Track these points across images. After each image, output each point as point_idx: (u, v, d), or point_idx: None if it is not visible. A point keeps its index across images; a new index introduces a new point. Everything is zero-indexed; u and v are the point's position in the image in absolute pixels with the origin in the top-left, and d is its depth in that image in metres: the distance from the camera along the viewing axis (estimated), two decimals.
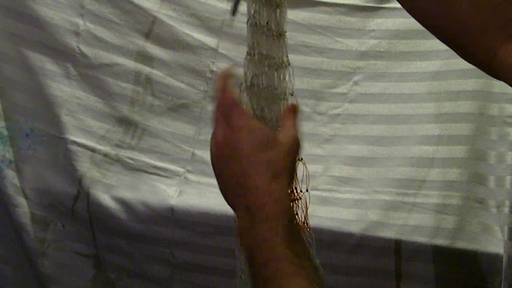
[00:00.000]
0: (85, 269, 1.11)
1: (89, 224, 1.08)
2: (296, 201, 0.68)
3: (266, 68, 0.69)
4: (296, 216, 0.68)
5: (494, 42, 0.58)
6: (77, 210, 1.08)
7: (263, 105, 0.70)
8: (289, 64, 0.71)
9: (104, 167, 1.07)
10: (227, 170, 0.63)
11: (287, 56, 0.71)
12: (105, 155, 1.07)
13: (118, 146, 1.08)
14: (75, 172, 1.06)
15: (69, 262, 1.11)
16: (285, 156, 0.62)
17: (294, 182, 0.68)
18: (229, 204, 0.64)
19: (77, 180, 1.06)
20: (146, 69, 1.08)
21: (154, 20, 1.07)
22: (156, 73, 1.08)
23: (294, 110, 0.69)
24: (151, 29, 1.08)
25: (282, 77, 0.70)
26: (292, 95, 0.71)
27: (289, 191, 0.63)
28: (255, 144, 0.62)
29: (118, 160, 1.07)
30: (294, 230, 0.59)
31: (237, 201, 0.61)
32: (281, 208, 0.59)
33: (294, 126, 0.66)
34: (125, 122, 1.08)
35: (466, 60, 0.62)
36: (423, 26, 0.62)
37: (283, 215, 0.59)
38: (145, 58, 1.08)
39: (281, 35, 0.70)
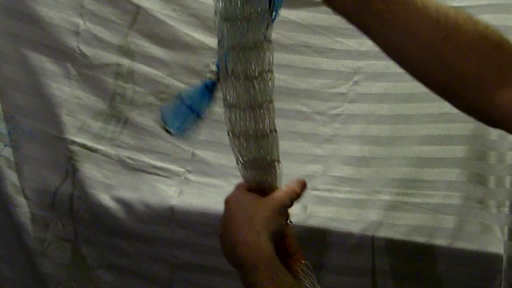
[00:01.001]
0: (84, 269, 1.11)
1: (89, 224, 1.08)
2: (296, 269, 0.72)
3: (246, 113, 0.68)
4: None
5: (489, 87, 0.59)
6: (77, 210, 1.08)
7: (249, 147, 0.70)
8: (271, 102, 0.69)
9: (104, 167, 1.07)
10: (224, 239, 0.71)
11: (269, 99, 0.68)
12: (105, 155, 1.07)
13: (118, 146, 1.08)
14: (75, 172, 1.06)
15: (69, 262, 1.11)
16: (264, 209, 0.69)
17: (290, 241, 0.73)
18: (233, 266, 0.70)
19: (77, 180, 1.06)
20: (145, 69, 1.08)
21: (154, 20, 1.08)
22: (156, 73, 1.08)
23: (301, 184, 0.74)
24: (151, 29, 1.08)
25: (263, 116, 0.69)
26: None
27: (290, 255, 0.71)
28: (240, 208, 0.70)
29: (118, 160, 1.07)
30: (277, 269, 0.65)
31: (232, 260, 0.69)
32: (259, 254, 0.66)
33: (288, 193, 0.72)
34: (125, 122, 1.08)
35: (460, 109, 0.64)
36: (416, 78, 0.65)
37: (264, 260, 0.65)
38: (145, 58, 1.08)
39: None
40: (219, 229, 0.73)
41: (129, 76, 1.08)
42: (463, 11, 0.61)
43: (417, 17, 0.59)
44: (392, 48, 0.64)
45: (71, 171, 1.06)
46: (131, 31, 1.08)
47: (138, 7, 1.07)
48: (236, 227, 0.69)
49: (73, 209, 1.08)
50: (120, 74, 1.07)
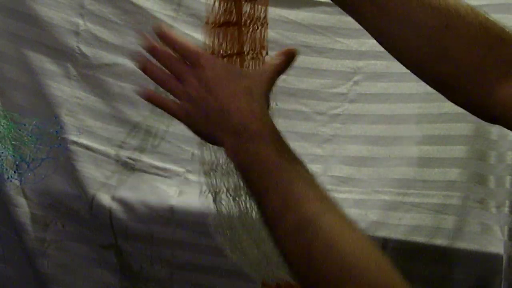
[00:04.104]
0: (84, 269, 1.11)
1: (89, 224, 1.08)
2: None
3: None
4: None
5: (490, 80, 0.57)
6: (77, 210, 1.08)
7: None
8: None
9: (104, 167, 1.07)
10: (206, 107, 0.62)
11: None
12: (105, 155, 1.07)
13: (118, 146, 1.08)
14: (75, 172, 1.06)
15: (69, 262, 1.11)
16: (261, 82, 0.63)
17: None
18: (211, 139, 0.64)
19: (77, 180, 1.06)
20: None
21: (155, 20, 1.08)
22: None
23: (288, 53, 0.68)
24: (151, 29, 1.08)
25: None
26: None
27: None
28: (232, 76, 0.62)
29: (118, 160, 1.07)
30: (281, 141, 0.60)
31: (220, 129, 0.61)
32: (264, 124, 0.60)
33: (276, 62, 0.66)
34: (124, 122, 1.08)
35: (458, 103, 0.62)
36: (413, 69, 0.62)
37: (268, 130, 0.60)
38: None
39: None
40: (195, 98, 0.62)
41: (129, 76, 1.08)
42: (464, 1, 0.59)
43: (416, 5, 0.57)
44: (388, 37, 0.61)
45: (71, 171, 1.06)
46: (131, 31, 1.08)
47: (138, 7, 1.07)
48: (231, 93, 0.61)
49: (74, 209, 1.08)
50: (120, 74, 1.07)
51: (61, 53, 1.06)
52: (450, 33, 0.57)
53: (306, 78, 1.08)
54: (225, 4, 0.67)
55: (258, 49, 0.69)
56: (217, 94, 0.61)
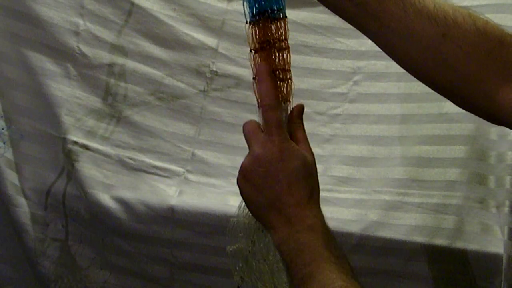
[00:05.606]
0: (84, 269, 1.11)
1: (89, 224, 1.08)
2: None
3: None
4: None
5: (492, 85, 0.58)
6: (77, 210, 1.08)
7: None
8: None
9: (104, 167, 1.07)
10: (256, 192, 0.66)
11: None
12: (105, 155, 1.07)
13: (118, 146, 1.08)
14: (74, 172, 1.06)
15: (69, 262, 1.11)
16: (312, 173, 0.69)
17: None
18: (261, 222, 0.68)
19: (77, 179, 1.06)
20: (146, 69, 1.08)
21: (154, 20, 1.08)
22: (156, 73, 1.08)
23: (301, 111, 0.74)
24: (151, 29, 1.08)
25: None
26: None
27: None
28: (292, 157, 0.67)
29: (118, 160, 1.07)
30: (332, 239, 0.64)
31: (273, 217, 0.65)
32: (319, 221, 0.65)
33: (307, 139, 0.72)
34: (125, 122, 1.08)
35: (464, 108, 0.64)
36: (418, 78, 0.64)
37: (320, 225, 0.64)
38: (145, 58, 1.08)
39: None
40: (244, 176, 0.67)
41: (129, 76, 1.08)
42: (462, 7, 0.60)
43: (414, 16, 0.59)
44: (391, 49, 0.63)
45: (71, 171, 1.06)
46: (131, 31, 1.08)
47: (138, 7, 1.07)
48: (288, 181, 0.65)
49: (74, 209, 1.08)
50: (120, 74, 1.07)
51: (61, 53, 1.06)
52: (448, 43, 0.58)
53: (306, 78, 1.08)
54: (257, 29, 0.69)
55: (285, 71, 0.71)
56: (273, 178, 0.65)
